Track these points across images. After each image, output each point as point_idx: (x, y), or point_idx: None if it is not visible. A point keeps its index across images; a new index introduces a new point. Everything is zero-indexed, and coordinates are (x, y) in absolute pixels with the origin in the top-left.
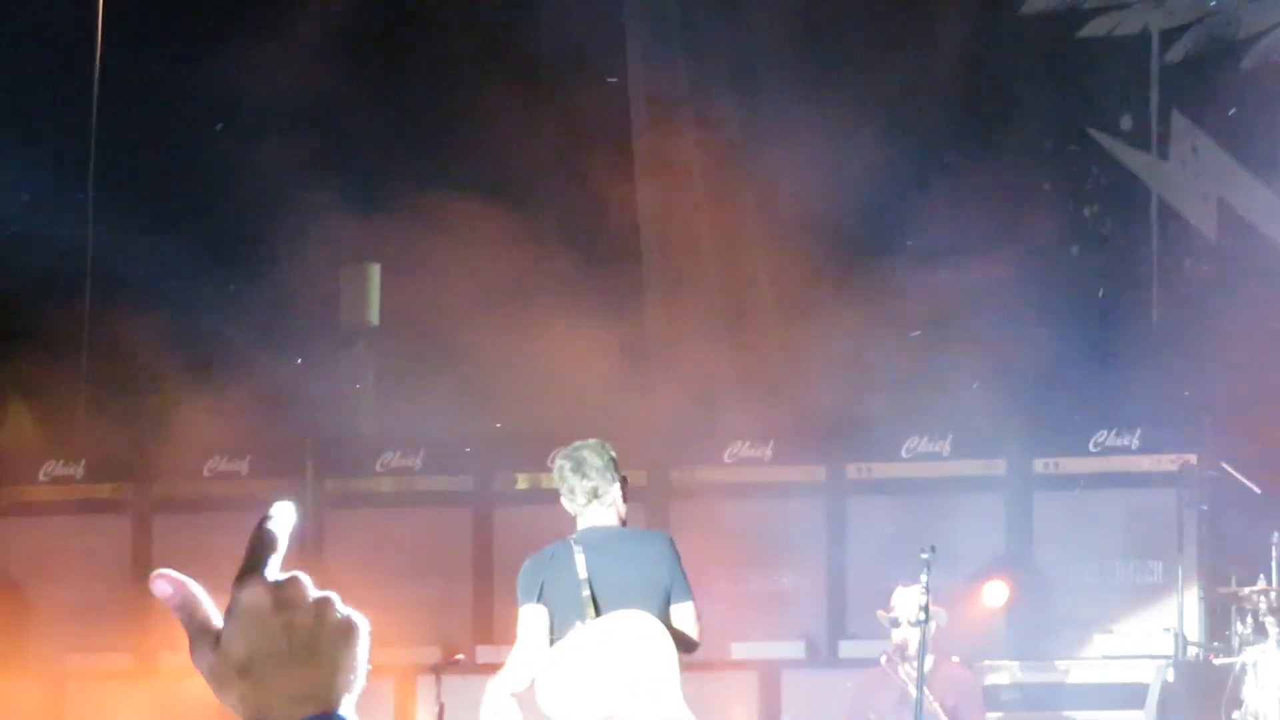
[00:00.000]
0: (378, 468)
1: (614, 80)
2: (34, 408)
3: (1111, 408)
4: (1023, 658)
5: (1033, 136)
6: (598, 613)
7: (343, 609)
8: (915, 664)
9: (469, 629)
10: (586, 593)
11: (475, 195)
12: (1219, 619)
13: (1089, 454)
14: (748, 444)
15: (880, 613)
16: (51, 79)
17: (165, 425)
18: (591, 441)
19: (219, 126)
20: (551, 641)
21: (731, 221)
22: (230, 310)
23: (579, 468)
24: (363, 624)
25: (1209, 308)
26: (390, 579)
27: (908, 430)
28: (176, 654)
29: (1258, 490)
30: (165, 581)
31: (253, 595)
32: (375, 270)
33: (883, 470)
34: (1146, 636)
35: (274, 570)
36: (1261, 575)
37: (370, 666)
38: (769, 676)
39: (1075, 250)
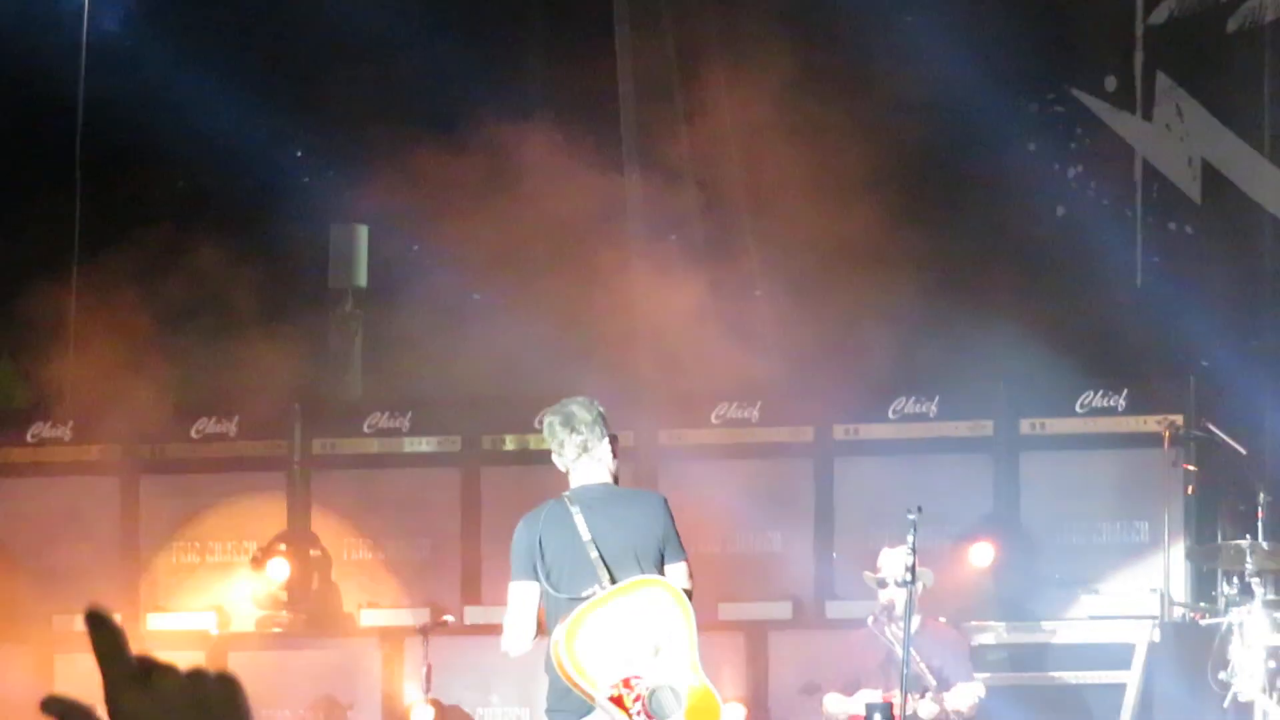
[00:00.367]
0: (365, 429)
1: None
2: (21, 369)
3: (1098, 369)
4: (1009, 618)
5: (1018, 97)
6: (611, 575)
7: (213, 673)
8: (902, 624)
9: (457, 590)
10: (595, 554)
11: (464, 156)
12: (1205, 579)
13: (1075, 415)
14: (735, 405)
15: (867, 574)
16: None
17: (153, 387)
18: (579, 398)
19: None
20: (562, 600)
21: (720, 180)
22: (218, 271)
23: (568, 422)
24: (238, 679)
25: (1194, 269)
26: (378, 540)
27: (895, 391)
28: (164, 615)
29: (1243, 451)
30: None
31: (133, 702)
32: (364, 231)
33: (870, 431)
34: (1133, 597)
35: (130, 666)
36: (1247, 535)
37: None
38: (756, 637)
39: (1060, 211)
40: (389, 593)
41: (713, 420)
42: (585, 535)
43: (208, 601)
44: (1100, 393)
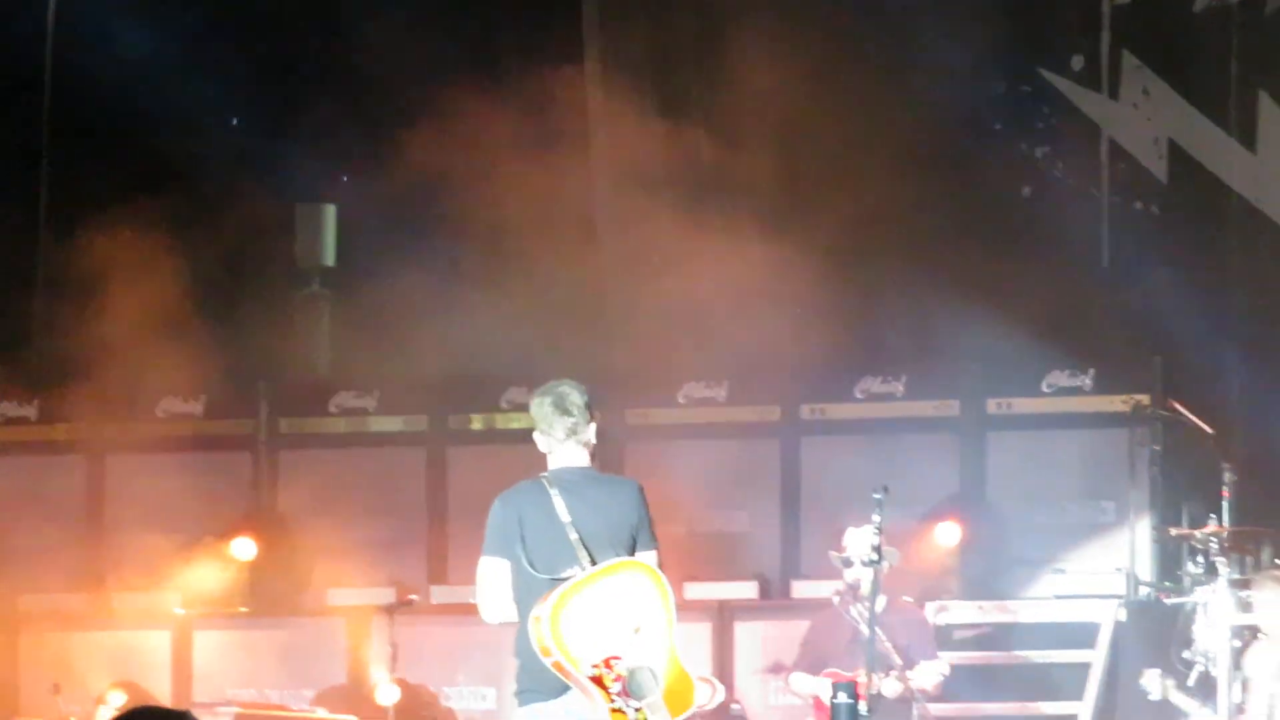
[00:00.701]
0: (332, 408)
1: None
2: None
3: (1064, 349)
4: (975, 597)
5: (985, 77)
6: (591, 557)
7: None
8: (868, 604)
9: (423, 569)
10: (575, 536)
11: (430, 137)
12: (1170, 559)
13: (1042, 395)
14: (702, 385)
15: (833, 553)
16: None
17: (119, 366)
18: (569, 380)
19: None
20: (542, 580)
21: (686, 161)
22: (185, 250)
23: (560, 403)
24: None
25: (1159, 248)
26: (344, 520)
27: (861, 370)
28: (131, 595)
29: (1209, 430)
30: None
31: None
32: (331, 211)
33: (836, 411)
34: (1098, 576)
35: None
36: (1213, 516)
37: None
38: (722, 617)
39: (1027, 191)
40: (355, 572)
41: (680, 400)
42: (565, 517)
43: (174, 581)
44: (1066, 372)
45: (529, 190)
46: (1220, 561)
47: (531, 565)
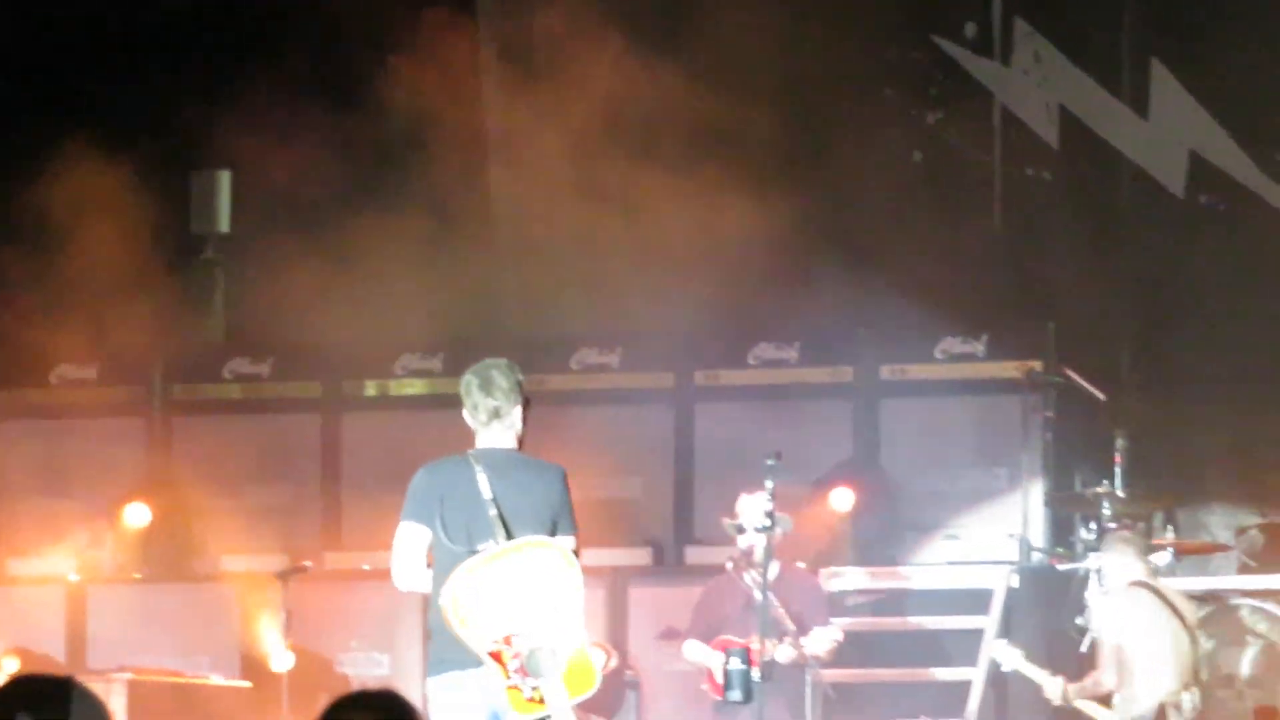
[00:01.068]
0: (226, 374)
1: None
2: None
3: (957, 315)
4: (868, 563)
5: (877, 44)
6: (508, 534)
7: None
8: (761, 570)
9: (316, 536)
10: (494, 513)
11: (324, 101)
12: (1063, 525)
13: (935, 361)
14: (596, 351)
15: (726, 519)
16: None
17: (10, 332)
18: (501, 361)
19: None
20: (457, 552)
21: (581, 127)
22: (79, 216)
23: (485, 386)
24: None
25: (1052, 215)
26: (238, 486)
27: (755, 337)
28: (23, 561)
29: (1101, 396)
30: None
31: None
32: (225, 177)
33: (730, 377)
34: (991, 542)
35: None
36: (1104, 481)
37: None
38: (616, 584)
39: (919, 157)
40: (249, 539)
41: (572, 366)
42: (487, 494)
43: (67, 547)
44: (960, 339)
45: (421, 154)
46: (1112, 527)
47: (448, 537)
